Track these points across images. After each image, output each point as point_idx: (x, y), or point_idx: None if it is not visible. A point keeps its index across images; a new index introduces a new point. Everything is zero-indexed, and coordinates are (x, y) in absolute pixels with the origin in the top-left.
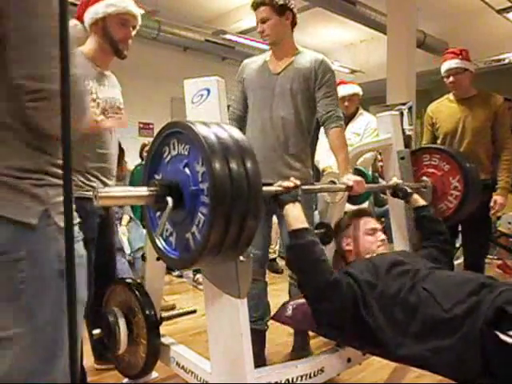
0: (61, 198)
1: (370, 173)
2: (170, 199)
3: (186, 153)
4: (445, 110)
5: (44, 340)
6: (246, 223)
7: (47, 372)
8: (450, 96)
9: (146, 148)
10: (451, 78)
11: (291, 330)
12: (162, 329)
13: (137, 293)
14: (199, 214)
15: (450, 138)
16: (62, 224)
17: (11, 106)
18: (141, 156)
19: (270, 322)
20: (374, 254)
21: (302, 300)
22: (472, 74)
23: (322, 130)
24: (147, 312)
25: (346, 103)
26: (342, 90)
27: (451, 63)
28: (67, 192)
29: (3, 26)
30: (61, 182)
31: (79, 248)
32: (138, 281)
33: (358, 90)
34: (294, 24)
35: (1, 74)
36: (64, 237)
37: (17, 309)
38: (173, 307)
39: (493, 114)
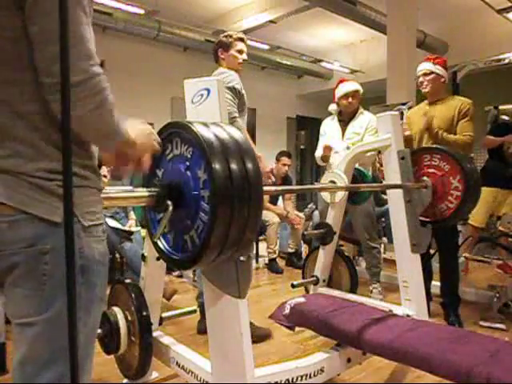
0: (86, 199)
1: (370, 173)
2: (170, 203)
3: (189, 156)
4: (418, 112)
5: (62, 329)
6: (246, 229)
7: (64, 358)
8: (426, 101)
9: None
10: (421, 79)
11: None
12: (162, 329)
13: (132, 293)
14: (199, 219)
15: (419, 136)
16: (85, 223)
17: (41, 107)
18: None
19: (270, 322)
20: None
21: (300, 299)
22: (444, 79)
23: (321, 127)
24: (140, 312)
25: (350, 99)
26: (345, 87)
27: (425, 65)
28: (67, 191)
29: (30, 33)
30: (86, 182)
31: (103, 247)
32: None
33: (359, 87)
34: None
35: (31, 76)
36: (64, 236)
37: (39, 298)
38: (174, 291)
39: (457, 112)
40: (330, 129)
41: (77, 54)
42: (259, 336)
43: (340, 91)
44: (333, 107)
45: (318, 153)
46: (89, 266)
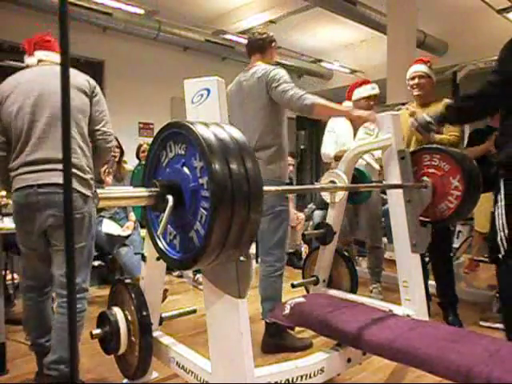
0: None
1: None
2: (170, 197)
3: (183, 152)
4: (405, 114)
5: (87, 251)
6: (248, 218)
7: (88, 266)
8: (413, 104)
9: (143, 148)
10: (416, 80)
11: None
12: (162, 329)
13: (132, 293)
14: (201, 209)
15: (408, 139)
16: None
17: (84, 141)
18: (137, 156)
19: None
20: None
21: (300, 299)
22: (433, 82)
23: (330, 124)
24: (140, 312)
25: (372, 103)
26: (368, 90)
27: (419, 67)
28: (67, 191)
29: (92, 111)
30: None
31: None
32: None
33: (378, 91)
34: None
35: (86, 129)
36: (64, 233)
37: (86, 233)
38: (166, 291)
39: None
40: (339, 127)
41: (110, 126)
42: (299, 348)
43: (362, 93)
44: (347, 105)
45: (327, 150)
46: (91, 212)
